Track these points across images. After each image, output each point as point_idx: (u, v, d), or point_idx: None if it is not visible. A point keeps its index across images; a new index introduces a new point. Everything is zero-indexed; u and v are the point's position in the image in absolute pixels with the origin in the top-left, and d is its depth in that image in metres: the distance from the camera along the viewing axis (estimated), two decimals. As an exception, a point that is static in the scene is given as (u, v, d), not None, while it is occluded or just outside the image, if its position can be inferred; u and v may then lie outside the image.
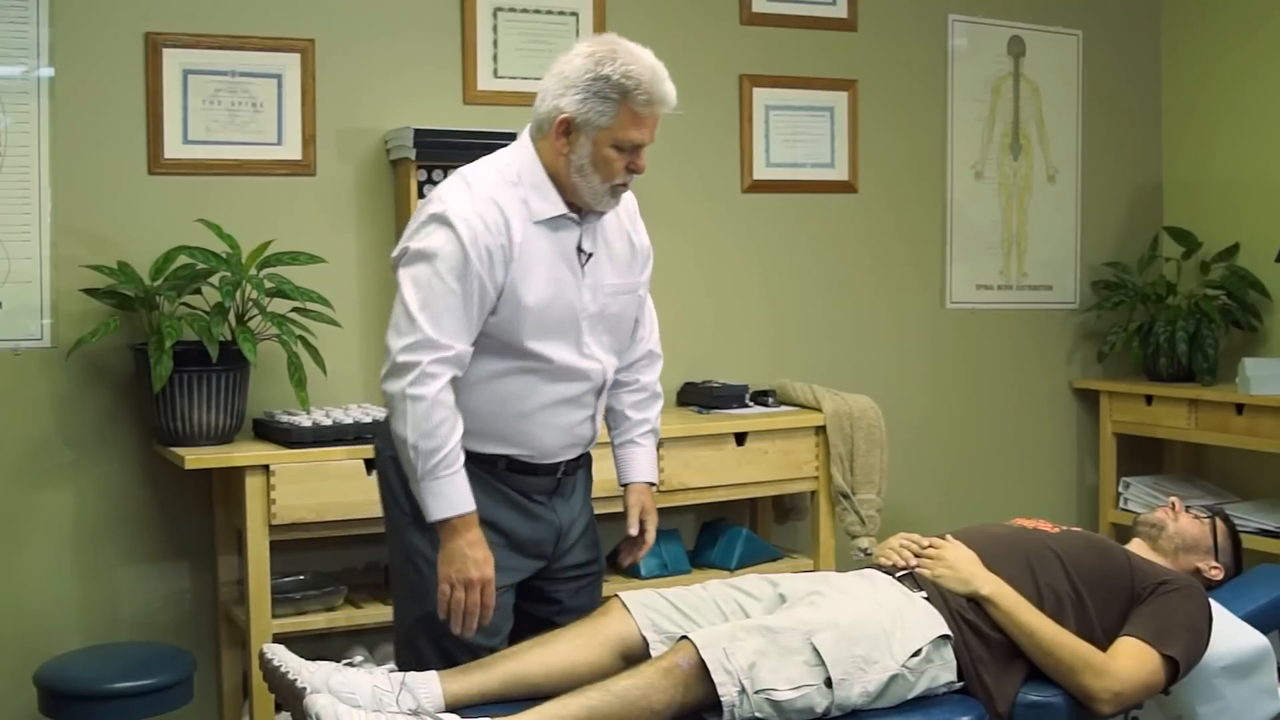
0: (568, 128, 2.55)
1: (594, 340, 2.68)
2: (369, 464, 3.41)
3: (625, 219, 2.75)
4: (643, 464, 2.89)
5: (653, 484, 2.90)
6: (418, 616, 2.65)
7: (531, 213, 2.57)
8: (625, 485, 2.88)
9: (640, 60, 2.54)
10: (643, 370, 2.89)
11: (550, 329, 2.60)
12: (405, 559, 2.67)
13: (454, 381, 2.53)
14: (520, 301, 2.55)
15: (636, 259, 2.77)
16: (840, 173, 4.50)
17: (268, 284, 3.45)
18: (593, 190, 2.58)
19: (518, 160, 2.63)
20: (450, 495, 2.50)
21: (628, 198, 2.75)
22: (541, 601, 2.78)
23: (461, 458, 2.52)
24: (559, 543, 2.75)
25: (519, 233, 2.55)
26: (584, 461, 2.82)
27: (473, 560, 2.50)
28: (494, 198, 2.55)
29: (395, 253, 2.61)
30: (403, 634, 2.72)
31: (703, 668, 2.38)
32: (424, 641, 2.65)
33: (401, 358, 2.49)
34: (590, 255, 2.64)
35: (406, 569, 2.67)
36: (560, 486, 2.75)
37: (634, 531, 2.83)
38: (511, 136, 3.72)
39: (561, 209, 2.59)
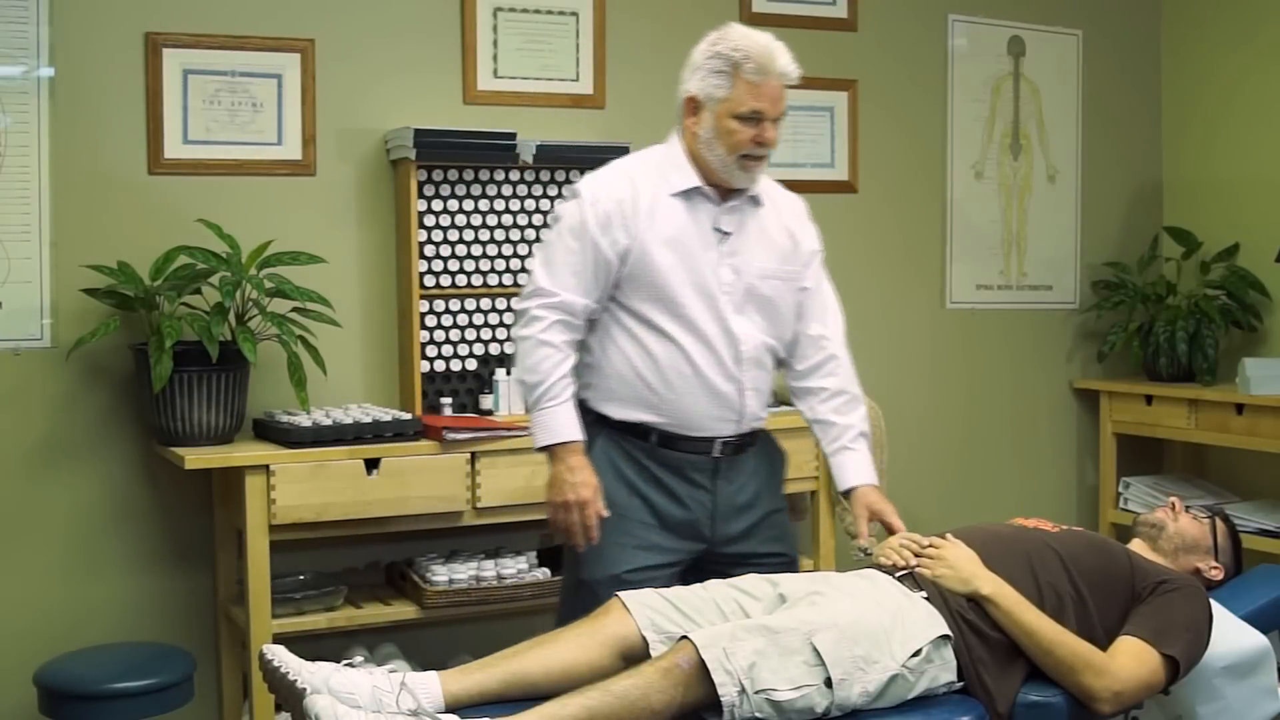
0: (694, 105, 2.83)
1: (738, 313, 2.84)
2: (369, 464, 3.42)
3: (789, 216, 2.96)
4: (858, 468, 2.95)
5: (874, 485, 2.94)
6: (571, 583, 2.89)
7: (669, 185, 2.82)
8: (845, 492, 2.96)
9: (752, 37, 2.79)
10: (831, 375, 3.01)
11: (686, 292, 2.79)
12: None
13: (593, 340, 2.83)
14: (650, 261, 2.78)
15: (797, 254, 2.94)
16: (840, 173, 4.51)
17: (268, 284, 3.46)
18: (721, 162, 2.80)
19: (663, 146, 2.92)
20: (552, 425, 2.75)
21: (796, 202, 3.00)
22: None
23: (567, 391, 2.77)
24: (715, 526, 2.87)
25: (648, 200, 2.80)
26: (750, 443, 2.91)
27: (570, 484, 2.73)
28: (626, 171, 2.86)
29: None
30: (562, 600, 2.94)
31: (703, 668, 2.38)
32: (576, 607, 2.77)
33: (518, 306, 2.85)
34: (728, 234, 2.84)
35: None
36: (720, 467, 2.86)
37: (861, 542, 2.89)
38: (512, 136, 3.80)
39: (694, 182, 2.82)
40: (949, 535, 2.82)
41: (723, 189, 2.84)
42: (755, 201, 2.89)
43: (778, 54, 2.79)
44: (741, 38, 2.79)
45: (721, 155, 2.79)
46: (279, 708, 3.15)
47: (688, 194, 2.82)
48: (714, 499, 2.87)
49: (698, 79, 2.81)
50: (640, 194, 2.80)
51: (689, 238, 2.81)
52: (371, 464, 3.42)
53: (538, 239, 3.91)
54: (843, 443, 2.97)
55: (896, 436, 4.20)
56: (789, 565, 2.98)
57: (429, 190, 3.78)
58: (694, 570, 2.88)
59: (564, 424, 2.75)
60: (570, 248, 2.79)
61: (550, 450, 2.76)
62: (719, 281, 2.82)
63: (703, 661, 2.38)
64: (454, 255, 3.81)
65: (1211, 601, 2.79)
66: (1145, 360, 4.78)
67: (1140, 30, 5.07)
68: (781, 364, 2.99)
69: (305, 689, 2.39)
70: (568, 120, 4.07)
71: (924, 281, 4.68)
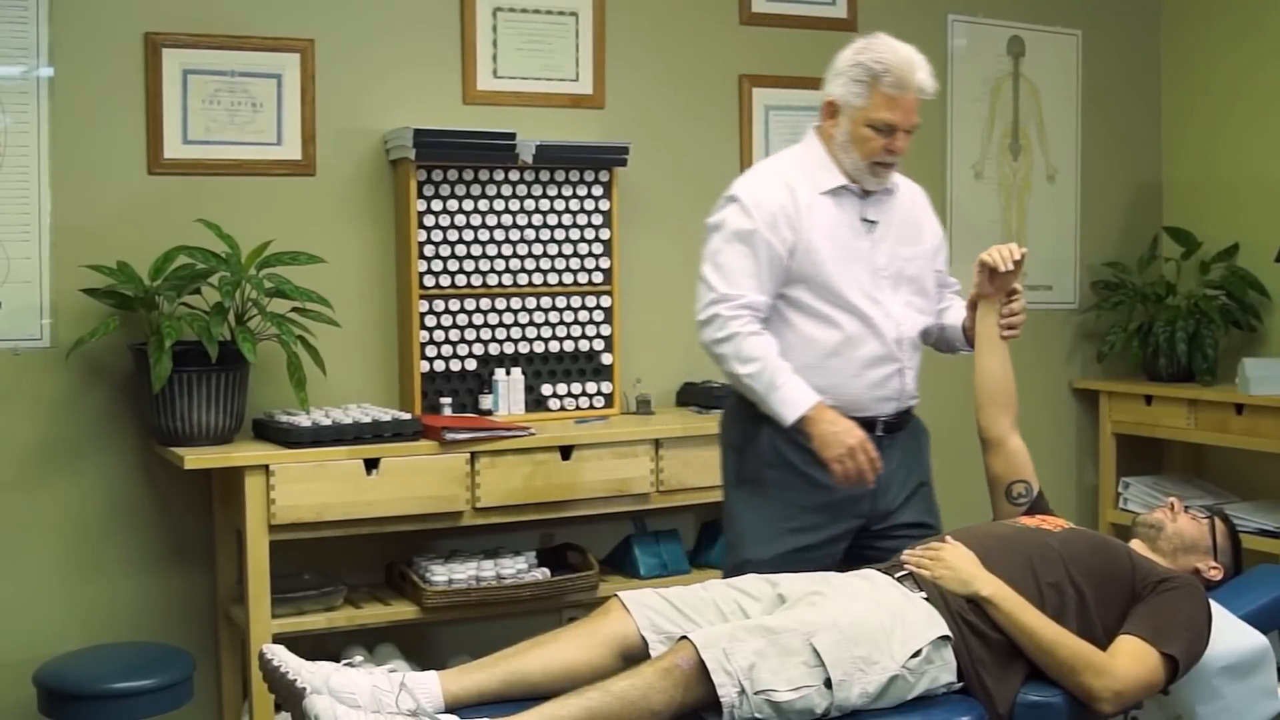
0: (833, 110, 2.99)
1: (894, 296, 3.02)
2: (369, 464, 3.42)
3: (920, 206, 3.15)
4: (958, 312, 3.17)
5: None
6: (734, 564, 3.01)
7: (817, 185, 2.98)
8: (964, 329, 3.15)
9: (896, 50, 2.95)
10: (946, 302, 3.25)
11: (847, 281, 2.95)
12: (728, 516, 3.09)
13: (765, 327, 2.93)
14: (814, 254, 2.94)
15: (924, 239, 3.12)
16: (840, 173, 4.50)
17: (267, 284, 3.45)
18: (854, 165, 2.98)
19: (804, 146, 3.07)
20: (791, 398, 2.87)
21: (920, 192, 3.17)
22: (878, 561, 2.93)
23: (788, 365, 2.89)
24: (875, 502, 3.00)
25: (805, 198, 2.95)
26: (905, 423, 3.09)
27: (840, 432, 2.84)
28: (778, 173, 3.01)
29: None
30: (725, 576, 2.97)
31: (702, 668, 2.38)
32: None
33: (702, 315, 2.94)
34: (875, 223, 3.01)
35: (730, 524, 3.08)
36: (881, 445, 2.96)
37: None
38: (511, 136, 3.80)
39: (840, 181, 2.99)
40: (949, 537, 2.82)
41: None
42: (890, 191, 3.08)
43: (917, 69, 2.94)
44: (886, 50, 2.94)
45: (855, 160, 2.96)
46: (279, 708, 3.15)
47: (835, 191, 2.99)
48: (876, 476, 2.94)
49: (839, 84, 2.97)
50: (797, 192, 2.96)
51: (842, 230, 2.98)
52: (371, 464, 3.42)
53: (537, 239, 3.91)
54: (948, 312, 3.20)
55: (896, 436, 4.19)
56: (937, 538, 3.02)
57: (429, 190, 3.78)
58: (851, 546, 3.02)
59: (801, 393, 2.87)
60: (741, 252, 2.92)
61: (803, 420, 2.85)
62: (874, 266, 2.99)
63: (702, 662, 2.38)
64: (454, 255, 3.81)
65: (1211, 601, 2.79)
66: (1145, 360, 4.78)
67: (1140, 30, 5.07)
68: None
69: (305, 689, 2.39)
70: (567, 120, 4.07)
71: (924, 281, 4.67)
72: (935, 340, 3.23)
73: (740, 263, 2.92)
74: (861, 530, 3.04)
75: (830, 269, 2.94)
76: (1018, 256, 3.00)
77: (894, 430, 3.05)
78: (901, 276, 3.03)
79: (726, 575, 2.97)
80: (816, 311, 2.95)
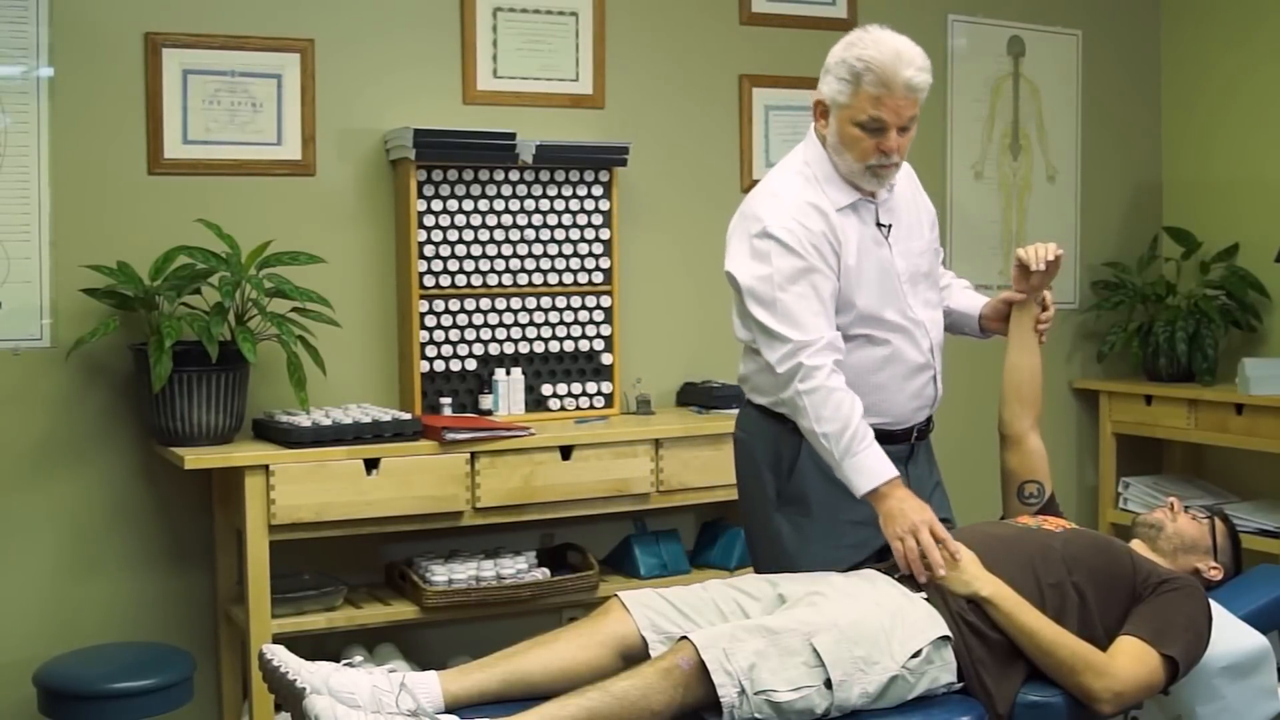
0: (822, 109, 2.83)
1: (916, 299, 2.93)
2: (369, 464, 3.42)
3: (913, 186, 3.03)
4: (971, 296, 3.18)
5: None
6: None
7: (834, 202, 2.83)
8: (980, 318, 3.17)
9: (881, 45, 2.73)
10: (947, 285, 3.19)
11: (877, 295, 2.85)
12: (768, 538, 2.93)
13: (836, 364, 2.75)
14: (849, 276, 2.82)
15: (924, 223, 3.01)
16: (840, 173, 4.51)
17: (267, 284, 3.45)
18: (849, 168, 2.82)
19: (807, 154, 2.89)
20: (871, 467, 2.70)
21: (908, 173, 3.00)
22: None
23: (870, 432, 2.72)
24: None
25: (835, 219, 2.81)
26: (931, 427, 3.05)
27: (909, 508, 2.67)
28: (803, 198, 2.81)
29: (728, 272, 2.85)
30: None
31: (702, 668, 2.38)
32: None
33: (782, 368, 2.74)
34: (889, 226, 2.90)
35: (771, 547, 2.92)
36: (914, 452, 2.97)
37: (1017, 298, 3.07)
38: (511, 136, 3.80)
39: (853, 196, 2.85)
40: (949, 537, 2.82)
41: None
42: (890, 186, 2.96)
43: (904, 67, 2.73)
44: (871, 45, 2.73)
45: (850, 163, 2.81)
46: (279, 708, 3.15)
47: (853, 205, 2.85)
48: (909, 482, 2.87)
49: (827, 83, 2.80)
50: (827, 213, 2.81)
51: (868, 244, 2.86)
52: (371, 464, 3.42)
53: (537, 239, 3.91)
54: (953, 290, 3.15)
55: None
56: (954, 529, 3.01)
57: (429, 190, 3.78)
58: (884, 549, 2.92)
59: (880, 464, 2.70)
60: (799, 292, 2.74)
61: (875, 491, 2.69)
62: (897, 274, 2.89)
63: (702, 662, 2.38)
64: (454, 255, 3.81)
65: (1211, 601, 2.79)
66: (1145, 360, 4.78)
67: (1140, 30, 5.07)
68: None
69: (305, 689, 2.39)
70: (567, 120, 4.07)
71: (924, 281, 4.67)
72: (944, 326, 3.12)
73: (804, 304, 2.73)
74: None
75: (868, 289, 2.83)
76: (1051, 256, 2.97)
77: (923, 437, 3.02)
78: (917, 274, 2.94)
79: None
80: (860, 333, 2.84)
